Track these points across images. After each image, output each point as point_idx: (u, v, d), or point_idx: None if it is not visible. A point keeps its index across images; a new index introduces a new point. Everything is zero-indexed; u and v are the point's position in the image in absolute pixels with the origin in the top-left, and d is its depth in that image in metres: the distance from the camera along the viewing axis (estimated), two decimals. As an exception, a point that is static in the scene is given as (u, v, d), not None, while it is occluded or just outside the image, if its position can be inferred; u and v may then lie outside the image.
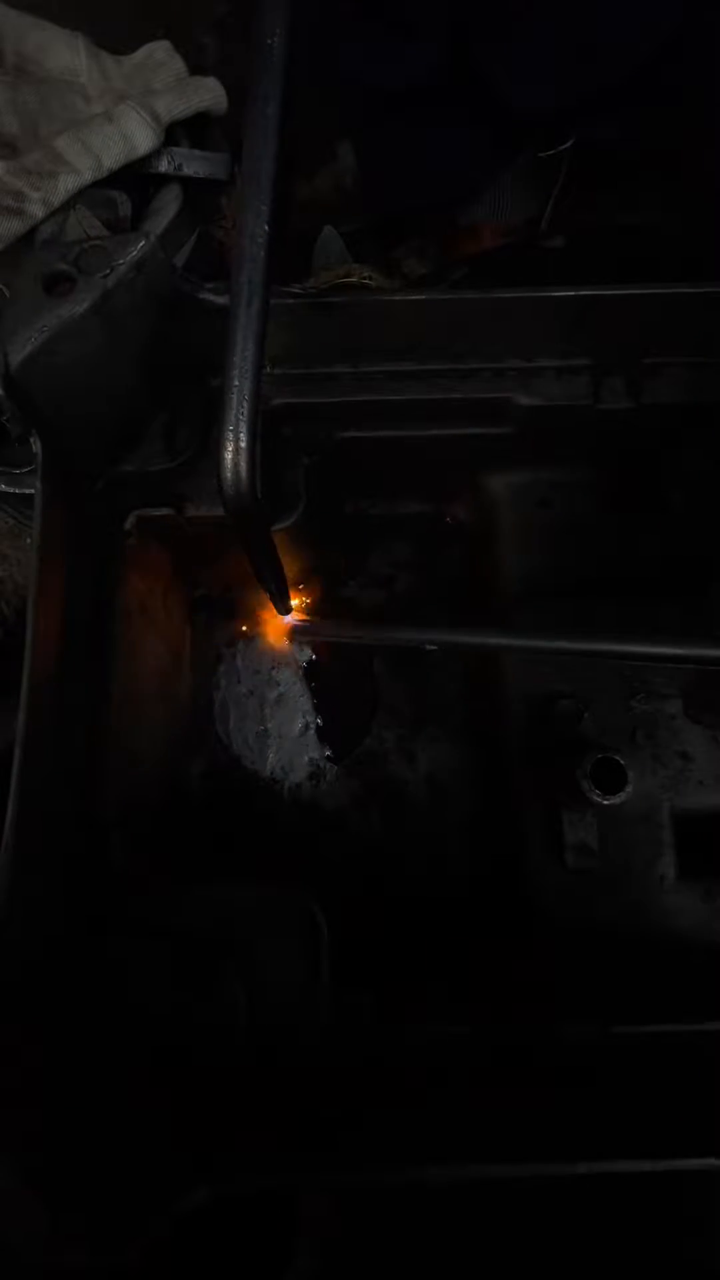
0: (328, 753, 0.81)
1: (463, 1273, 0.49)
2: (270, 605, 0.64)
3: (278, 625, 0.76)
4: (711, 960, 0.62)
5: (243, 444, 0.42)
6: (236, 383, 0.41)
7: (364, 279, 0.88)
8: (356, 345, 0.62)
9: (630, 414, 0.63)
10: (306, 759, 0.80)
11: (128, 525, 0.64)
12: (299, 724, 0.81)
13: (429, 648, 0.76)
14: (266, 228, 0.40)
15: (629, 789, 0.58)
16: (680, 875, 0.65)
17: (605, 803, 0.58)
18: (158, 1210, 0.40)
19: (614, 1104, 0.47)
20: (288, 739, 0.81)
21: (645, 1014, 0.54)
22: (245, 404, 0.41)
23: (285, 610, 0.66)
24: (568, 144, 0.90)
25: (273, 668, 0.82)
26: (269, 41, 0.39)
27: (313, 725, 0.81)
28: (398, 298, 0.60)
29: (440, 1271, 0.49)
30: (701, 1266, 0.49)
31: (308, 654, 0.82)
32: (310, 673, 0.82)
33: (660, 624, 0.69)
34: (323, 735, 0.81)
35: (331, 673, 0.82)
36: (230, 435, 0.41)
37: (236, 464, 0.42)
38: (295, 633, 0.73)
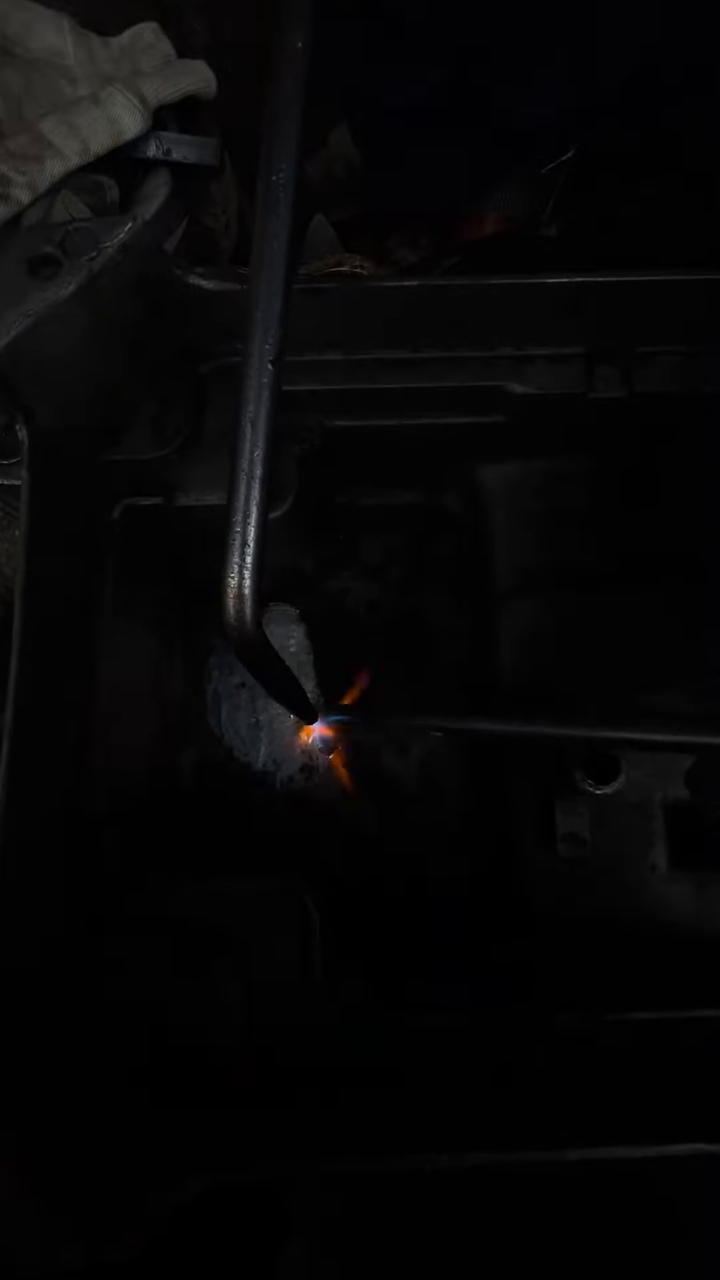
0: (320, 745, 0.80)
1: (455, 1261, 0.49)
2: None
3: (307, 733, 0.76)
4: (703, 949, 0.62)
5: (248, 591, 0.40)
6: (239, 529, 0.40)
7: (355, 268, 0.87)
8: (348, 332, 0.62)
9: (623, 403, 0.63)
10: (299, 751, 0.80)
11: (116, 515, 0.64)
12: (291, 716, 0.81)
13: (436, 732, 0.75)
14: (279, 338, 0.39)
15: (621, 779, 0.58)
16: (672, 865, 0.65)
17: (598, 792, 0.58)
18: (154, 1202, 0.39)
19: (605, 1091, 0.47)
20: (280, 731, 0.80)
21: (637, 1002, 0.54)
22: (250, 548, 0.40)
23: (310, 720, 0.66)
24: (568, 155, 0.91)
25: (264, 659, 0.82)
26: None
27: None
28: (390, 284, 0.59)
29: (432, 1260, 0.49)
30: (685, 1254, 0.50)
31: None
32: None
33: (654, 615, 0.69)
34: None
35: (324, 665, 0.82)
36: (234, 568, 0.40)
37: (240, 611, 0.40)
38: (328, 744, 0.73)
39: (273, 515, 0.65)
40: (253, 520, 0.40)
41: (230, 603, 0.41)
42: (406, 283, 0.59)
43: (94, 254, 0.50)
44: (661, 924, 0.63)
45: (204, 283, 0.57)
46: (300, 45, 0.38)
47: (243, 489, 0.40)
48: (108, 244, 0.50)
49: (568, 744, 0.58)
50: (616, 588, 0.68)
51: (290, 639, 0.81)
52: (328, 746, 0.75)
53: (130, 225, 0.51)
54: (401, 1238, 0.49)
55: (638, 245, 0.88)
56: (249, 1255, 0.50)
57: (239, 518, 0.40)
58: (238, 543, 0.40)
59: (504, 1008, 0.54)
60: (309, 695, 0.79)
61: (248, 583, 0.40)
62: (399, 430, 0.67)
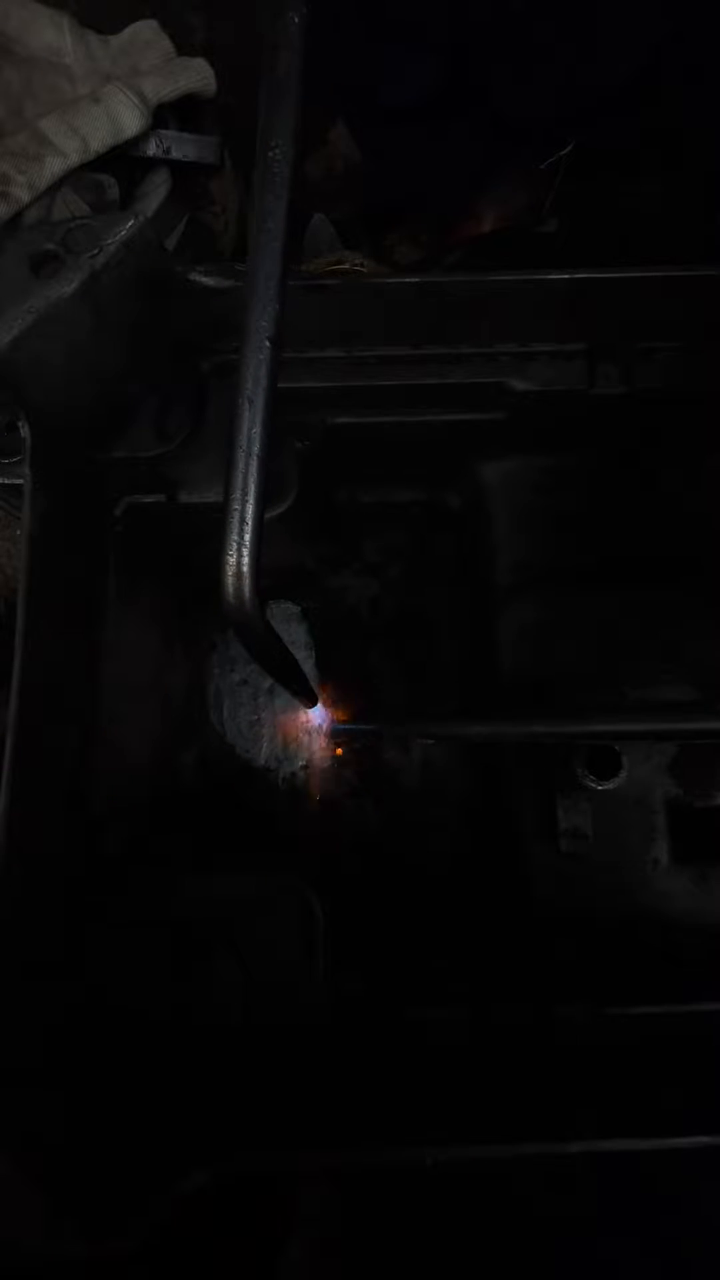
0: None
1: (455, 1262, 0.49)
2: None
3: (310, 725, 0.75)
4: (703, 943, 0.62)
5: (245, 567, 0.40)
6: (238, 507, 0.40)
7: (355, 266, 0.87)
8: (349, 329, 0.62)
9: (624, 399, 0.63)
10: (300, 733, 0.80)
11: (118, 512, 0.64)
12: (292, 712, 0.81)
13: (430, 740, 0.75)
14: (274, 324, 0.39)
15: (623, 774, 0.58)
16: (673, 860, 0.65)
17: (599, 788, 0.58)
18: (157, 1194, 0.40)
19: (608, 1084, 0.48)
20: (281, 728, 0.80)
21: (638, 995, 0.54)
22: (248, 526, 0.39)
23: (311, 703, 0.66)
24: (566, 150, 0.91)
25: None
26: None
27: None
28: (390, 281, 0.59)
29: (432, 1261, 0.49)
30: (682, 1243, 0.50)
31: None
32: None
33: (654, 611, 0.69)
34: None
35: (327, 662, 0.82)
36: (233, 547, 0.40)
37: (240, 588, 0.40)
38: (332, 734, 0.73)
39: (274, 513, 0.66)
40: (251, 498, 0.40)
41: (229, 581, 0.40)
42: (407, 280, 0.59)
43: (96, 252, 0.50)
44: (663, 918, 0.63)
45: (204, 280, 0.57)
46: (296, 22, 0.38)
47: (241, 467, 0.40)
48: (109, 242, 0.50)
49: (566, 742, 0.58)
50: (616, 583, 0.69)
51: (292, 636, 0.82)
52: (327, 733, 0.75)
53: (132, 223, 0.51)
54: (401, 1239, 0.50)
55: (638, 241, 0.88)
56: (249, 1251, 0.50)
57: (237, 495, 0.40)
58: (236, 521, 0.40)
59: (505, 1001, 0.54)
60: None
61: (246, 560, 0.40)
62: (400, 427, 0.67)
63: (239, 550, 0.40)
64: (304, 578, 0.84)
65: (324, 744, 0.75)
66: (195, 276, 0.56)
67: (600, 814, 0.64)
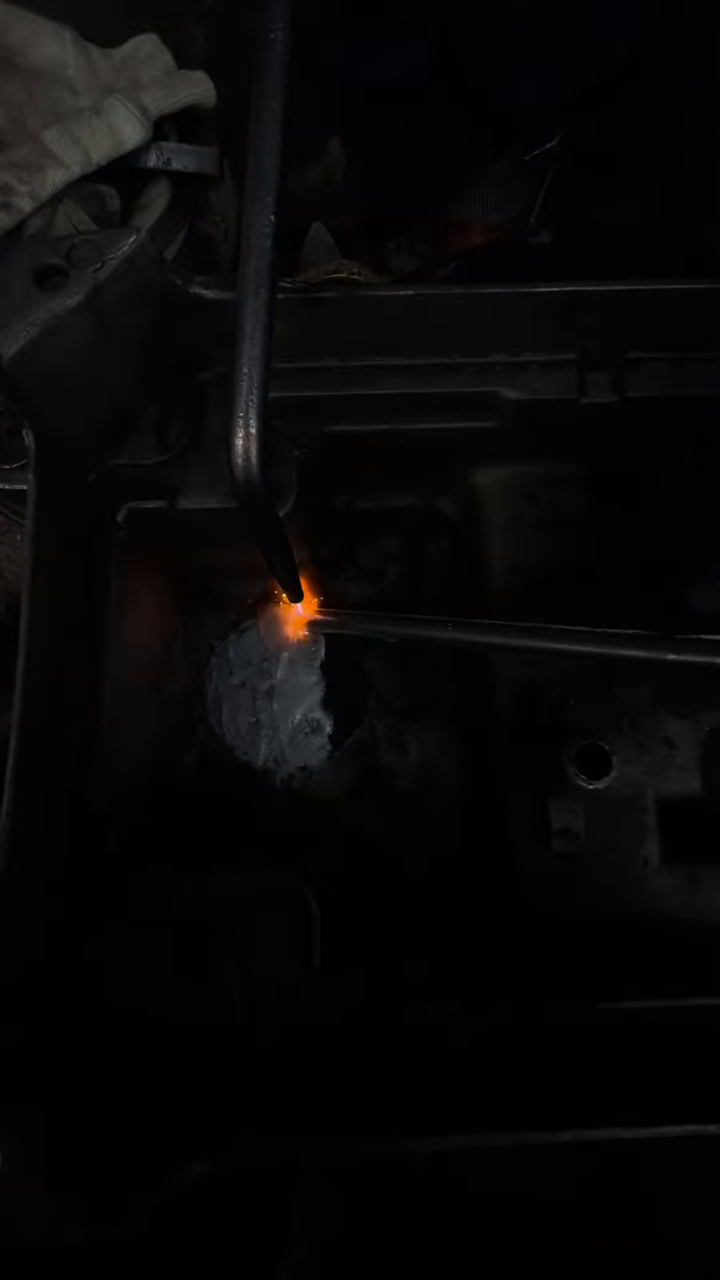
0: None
1: (457, 1261, 0.50)
2: (280, 594, 0.64)
3: (291, 616, 0.76)
4: (693, 940, 0.63)
5: (253, 430, 0.42)
6: (246, 371, 0.42)
7: (353, 275, 0.88)
8: (345, 339, 0.63)
9: (614, 408, 0.65)
10: (284, 631, 0.81)
11: (120, 518, 0.65)
12: (290, 715, 0.82)
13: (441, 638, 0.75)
14: (272, 218, 0.41)
15: (613, 774, 0.59)
16: (664, 859, 0.66)
17: (590, 787, 0.59)
18: (157, 1183, 0.41)
19: (597, 1076, 0.49)
20: (280, 730, 0.82)
21: (629, 992, 0.55)
22: (254, 391, 0.42)
23: (297, 598, 0.66)
24: (552, 142, 0.91)
25: (264, 660, 0.83)
26: (272, 35, 0.40)
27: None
28: (386, 293, 0.61)
29: (434, 1260, 0.50)
30: (669, 1237, 0.51)
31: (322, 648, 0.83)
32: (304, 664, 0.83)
33: (644, 617, 0.70)
34: (315, 726, 0.82)
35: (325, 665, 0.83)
36: (240, 422, 0.42)
37: (247, 450, 0.43)
38: (311, 625, 0.73)
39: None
40: (258, 363, 0.42)
41: (238, 444, 0.43)
42: (402, 291, 0.60)
43: (98, 266, 0.51)
44: (654, 916, 0.64)
45: (204, 292, 0.58)
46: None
47: (247, 336, 0.42)
48: (112, 255, 0.51)
49: (541, 655, 0.58)
50: (606, 588, 0.70)
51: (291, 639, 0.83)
52: (305, 623, 0.74)
53: (134, 238, 0.52)
54: (401, 1241, 0.50)
55: (624, 253, 0.89)
56: (249, 1252, 0.50)
57: (245, 360, 0.42)
58: (244, 387, 0.42)
59: (499, 998, 0.55)
60: (311, 707, 0.80)
61: (253, 428, 0.42)
62: (395, 435, 0.69)
63: (246, 421, 0.42)
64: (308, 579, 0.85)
65: (302, 634, 0.75)
66: (195, 289, 0.58)
67: (591, 814, 0.65)
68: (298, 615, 0.71)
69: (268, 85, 0.41)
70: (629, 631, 0.52)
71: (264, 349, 0.42)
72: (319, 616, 0.70)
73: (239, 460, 0.43)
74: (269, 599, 0.83)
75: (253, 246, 0.41)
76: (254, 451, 0.43)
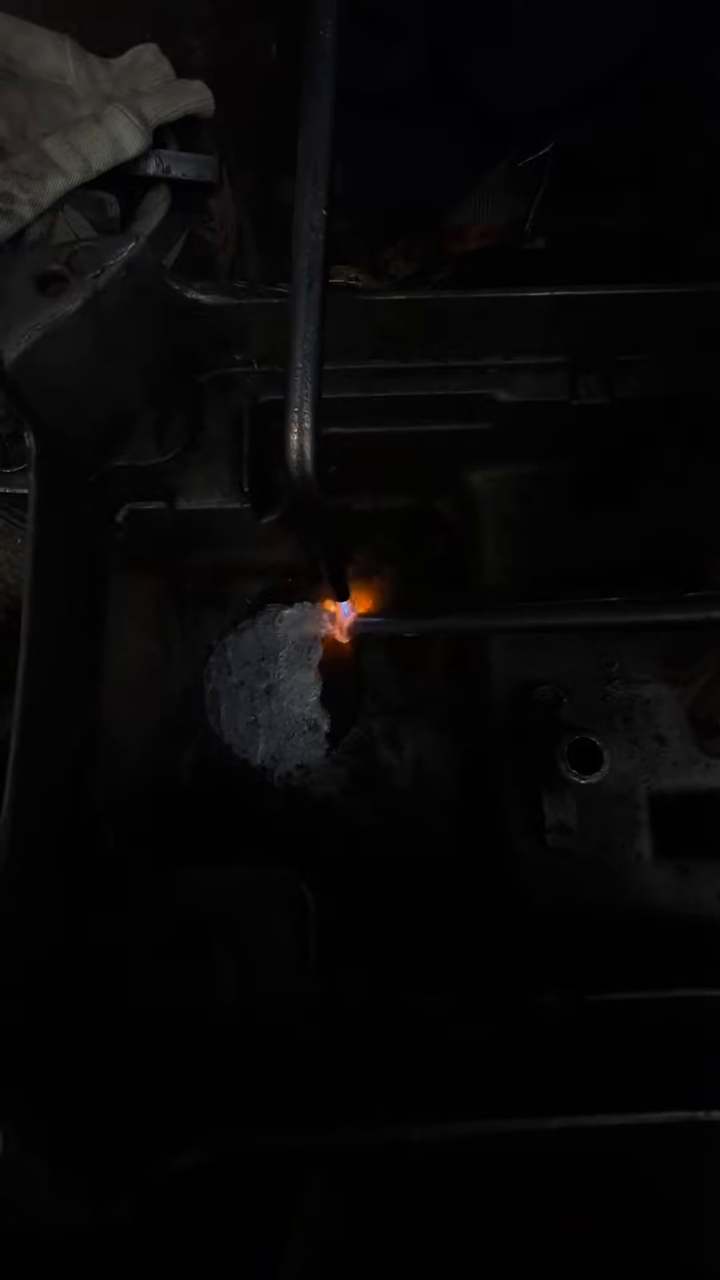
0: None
1: (457, 1260, 0.50)
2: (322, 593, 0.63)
3: (337, 619, 0.75)
4: (685, 933, 0.64)
5: (308, 426, 0.41)
6: (300, 365, 0.41)
7: (351, 280, 0.90)
8: (342, 343, 0.64)
9: (606, 409, 0.66)
10: (323, 619, 0.81)
11: (119, 519, 0.66)
12: (288, 714, 0.83)
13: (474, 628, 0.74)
14: (324, 212, 0.40)
15: (605, 769, 0.60)
16: (656, 853, 0.67)
17: (583, 783, 0.60)
18: (156, 1168, 0.42)
19: (586, 1064, 0.50)
20: (278, 728, 0.83)
21: (620, 984, 0.56)
22: (309, 386, 0.41)
23: (343, 597, 0.66)
24: (547, 149, 0.92)
25: (262, 659, 0.84)
26: (321, 33, 0.40)
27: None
28: (381, 297, 0.62)
29: (435, 1260, 0.50)
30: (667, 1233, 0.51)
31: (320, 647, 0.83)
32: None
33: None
34: (312, 725, 0.83)
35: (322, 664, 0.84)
36: (295, 418, 0.41)
37: (301, 447, 0.42)
38: (357, 626, 0.72)
39: (269, 519, 0.69)
40: (311, 358, 0.41)
41: (293, 440, 0.41)
42: (397, 296, 0.61)
43: (99, 272, 0.52)
44: (646, 909, 0.65)
45: (202, 297, 0.59)
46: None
47: (301, 330, 0.41)
48: (112, 262, 0.53)
49: (554, 631, 0.57)
50: (599, 587, 0.71)
51: (292, 639, 0.84)
52: (348, 626, 0.73)
53: (133, 245, 0.53)
54: (401, 1240, 0.50)
55: (616, 258, 0.90)
56: (249, 1254, 0.51)
57: (298, 355, 0.41)
58: (298, 384, 0.41)
59: (491, 989, 0.56)
60: (308, 706, 0.81)
61: (308, 423, 0.41)
62: (391, 437, 0.70)
63: (301, 417, 0.41)
64: (300, 582, 0.86)
65: (341, 634, 0.75)
66: (193, 294, 0.59)
67: (584, 809, 0.66)
68: (345, 616, 0.70)
69: (317, 82, 0.40)
70: (632, 599, 0.52)
71: (317, 344, 0.41)
72: (365, 617, 0.69)
73: (293, 456, 0.42)
74: (272, 597, 0.83)
75: (304, 241, 0.40)
76: (309, 448, 0.42)
